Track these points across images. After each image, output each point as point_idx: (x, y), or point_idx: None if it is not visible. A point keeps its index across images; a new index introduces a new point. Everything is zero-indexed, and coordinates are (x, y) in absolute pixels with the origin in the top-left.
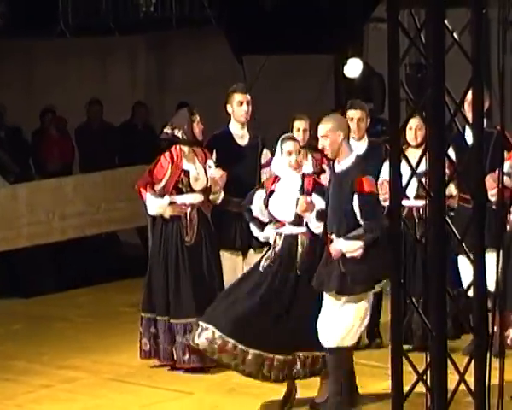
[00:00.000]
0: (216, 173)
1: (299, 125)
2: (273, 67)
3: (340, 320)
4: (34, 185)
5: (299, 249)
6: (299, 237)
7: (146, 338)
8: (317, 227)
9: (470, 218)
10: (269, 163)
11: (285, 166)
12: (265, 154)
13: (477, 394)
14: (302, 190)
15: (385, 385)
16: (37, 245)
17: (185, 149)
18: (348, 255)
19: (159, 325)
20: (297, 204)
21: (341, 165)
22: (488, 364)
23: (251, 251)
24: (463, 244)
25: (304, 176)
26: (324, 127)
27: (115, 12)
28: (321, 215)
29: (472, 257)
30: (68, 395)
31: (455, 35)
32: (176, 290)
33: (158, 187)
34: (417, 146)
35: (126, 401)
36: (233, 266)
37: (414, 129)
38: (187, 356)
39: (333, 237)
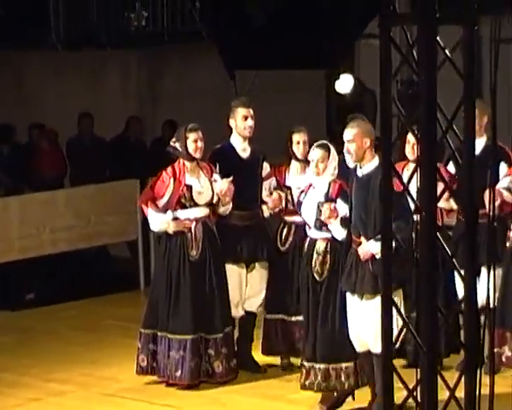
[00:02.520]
0: (223, 185)
1: (299, 138)
2: (265, 83)
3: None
4: (25, 198)
5: (315, 255)
6: (318, 242)
7: (144, 354)
8: (341, 233)
9: (461, 233)
10: (269, 176)
11: (310, 173)
12: (265, 167)
13: (467, 409)
14: (327, 197)
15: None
16: (27, 258)
17: (188, 163)
18: (378, 256)
19: (158, 341)
20: (319, 211)
21: (364, 169)
22: (478, 380)
23: (256, 264)
24: (454, 261)
25: (331, 182)
26: (351, 132)
27: (107, 26)
28: (345, 221)
29: (463, 273)
30: (57, 408)
31: (447, 52)
32: (175, 306)
33: (161, 202)
34: (416, 160)
35: None
36: (238, 280)
37: (412, 143)
38: (179, 372)
39: (362, 239)
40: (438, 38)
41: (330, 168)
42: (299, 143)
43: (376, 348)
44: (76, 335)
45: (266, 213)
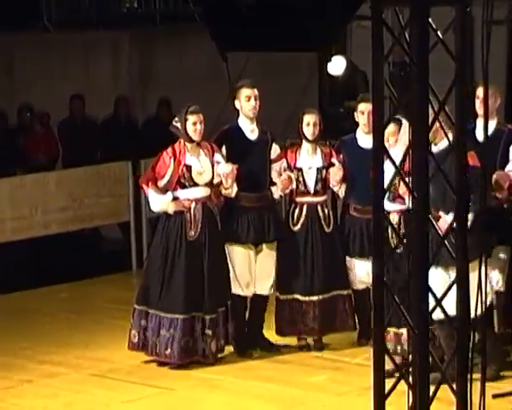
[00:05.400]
0: (226, 168)
1: (310, 119)
2: (257, 65)
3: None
4: (17, 180)
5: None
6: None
7: (135, 330)
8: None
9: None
10: (279, 158)
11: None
12: (275, 149)
13: (459, 392)
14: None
15: None
16: (19, 240)
17: (188, 144)
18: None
19: (149, 318)
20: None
21: (439, 146)
22: (470, 361)
23: (264, 246)
24: (446, 242)
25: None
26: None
27: (99, 7)
28: None
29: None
30: (50, 390)
31: (439, 33)
32: (168, 284)
33: (161, 183)
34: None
35: (108, 396)
36: (246, 261)
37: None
38: (168, 350)
39: (440, 213)
40: (430, 19)
41: (402, 140)
42: (309, 124)
43: None
44: (69, 317)
45: (276, 194)
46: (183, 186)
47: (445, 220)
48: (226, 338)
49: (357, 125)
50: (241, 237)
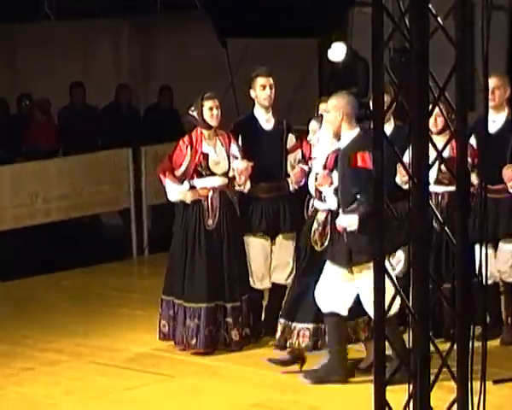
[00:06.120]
0: (240, 165)
1: (325, 107)
2: (257, 52)
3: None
4: (18, 168)
5: (315, 225)
6: (318, 213)
7: (165, 320)
8: (333, 203)
9: (454, 205)
10: (295, 149)
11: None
12: (291, 139)
13: (459, 378)
14: (324, 166)
15: None
16: (19, 228)
17: (205, 131)
18: (348, 229)
19: (175, 308)
20: (316, 179)
21: (342, 143)
22: (471, 348)
23: (280, 236)
24: (447, 229)
25: (329, 154)
26: (328, 104)
27: None
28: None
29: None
30: (51, 378)
31: (439, 19)
32: (191, 274)
33: (178, 172)
34: (438, 133)
35: (109, 384)
36: (262, 252)
37: (434, 116)
38: (194, 340)
39: (340, 211)
40: (430, 5)
41: (318, 138)
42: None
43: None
44: (70, 304)
45: (291, 186)
46: (200, 175)
47: (339, 220)
48: (250, 326)
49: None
50: (254, 227)
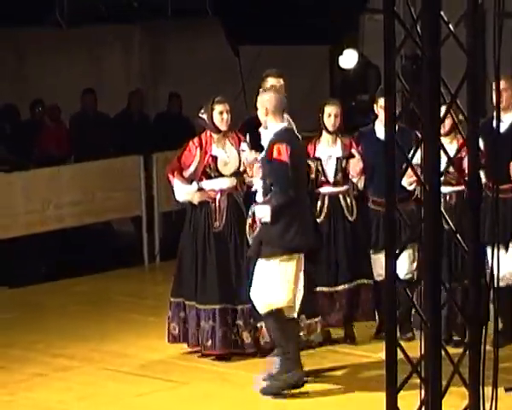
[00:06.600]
0: (250, 157)
1: (331, 111)
2: (268, 58)
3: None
4: (30, 174)
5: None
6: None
7: (175, 323)
8: (260, 194)
9: (464, 210)
10: None
11: None
12: None
13: (471, 384)
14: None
15: None
16: (32, 234)
17: (214, 134)
18: (262, 220)
19: (187, 310)
20: None
21: (267, 136)
22: (483, 355)
23: None
24: (458, 236)
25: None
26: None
27: (110, 1)
28: None
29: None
30: (63, 383)
31: (450, 26)
32: (202, 276)
33: (187, 173)
34: (446, 134)
35: (121, 390)
36: None
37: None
38: (210, 342)
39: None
40: (441, 12)
41: None
42: (330, 115)
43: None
44: (81, 310)
45: None
46: (209, 177)
47: (258, 211)
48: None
49: (376, 116)
50: None
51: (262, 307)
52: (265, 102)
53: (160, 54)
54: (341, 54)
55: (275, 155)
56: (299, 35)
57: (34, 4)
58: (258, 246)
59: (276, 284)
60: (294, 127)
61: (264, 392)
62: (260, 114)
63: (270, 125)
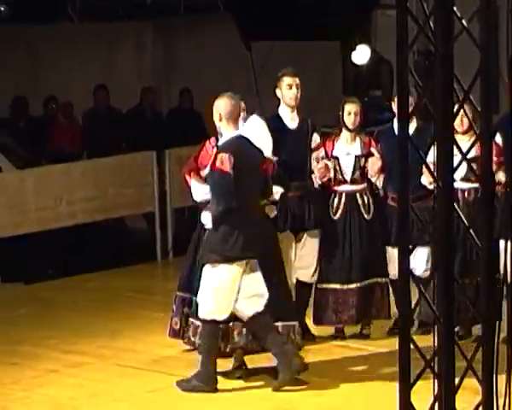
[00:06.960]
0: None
1: (350, 109)
2: (281, 54)
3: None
4: (42, 171)
5: None
6: None
7: (177, 318)
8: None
9: (478, 204)
10: (318, 147)
11: None
12: (315, 138)
13: (484, 380)
14: None
15: None
16: (44, 230)
17: None
18: (205, 227)
19: (193, 304)
20: None
21: (220, 142)
22: (496, 350)
23: (305, 234)
24: (471, 231)
25: None
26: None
27: None
28: None
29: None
30: (74, 379)
31: (464, 22)
32: None
33: (204, 173)
34: (464, 133)
35: (132, 386)
36: (285, 251)
37: (460, 116)
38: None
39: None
40: (454, 8)
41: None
42: (350, 113)
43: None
44: (94, 307)
45: (315, 182)
46: None
47: (203, 217)
48: None
49: (394, 114)
50: (279, 225)
51: (200, 313)
52: (220, 107)
53: (173, 50)
54: (354, 49)
55: (217, 164)
56: (312, 31)
57: (47, 1)
58: (204, 251)
59: (213, 292)
60: (263, 129)
61: (177, 384)
62: (215, 119)
63: (223, 132)
